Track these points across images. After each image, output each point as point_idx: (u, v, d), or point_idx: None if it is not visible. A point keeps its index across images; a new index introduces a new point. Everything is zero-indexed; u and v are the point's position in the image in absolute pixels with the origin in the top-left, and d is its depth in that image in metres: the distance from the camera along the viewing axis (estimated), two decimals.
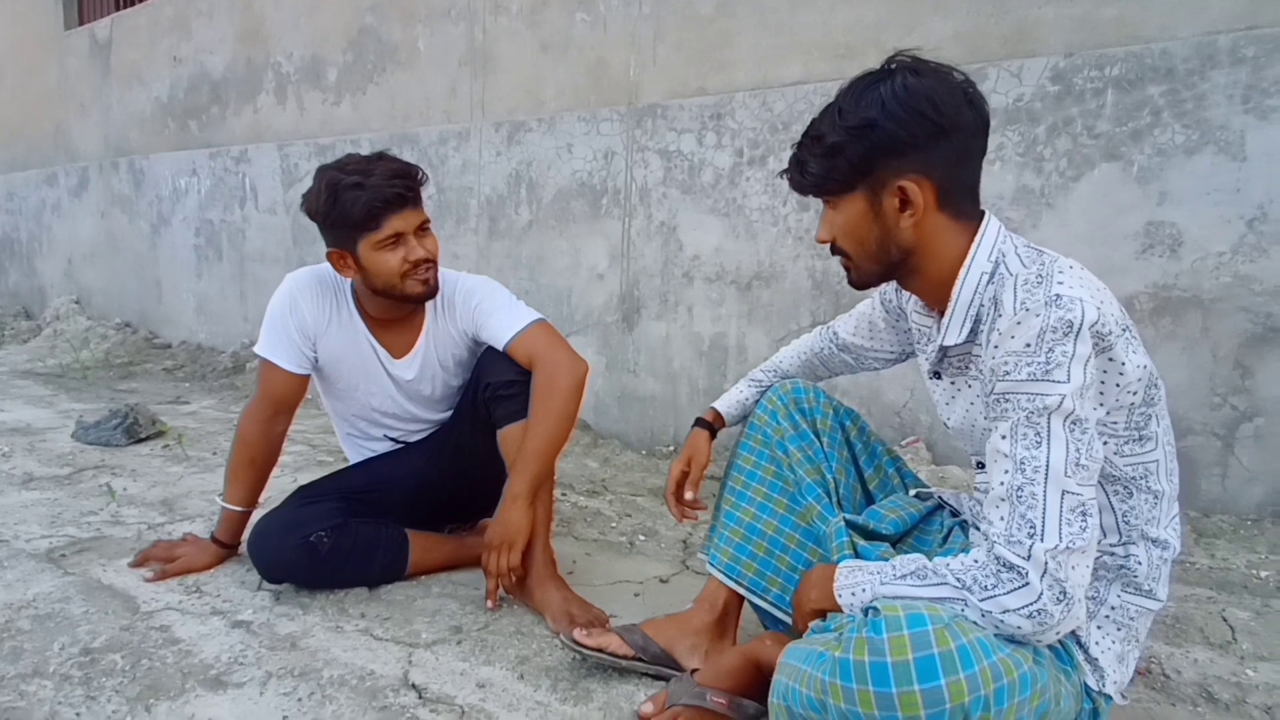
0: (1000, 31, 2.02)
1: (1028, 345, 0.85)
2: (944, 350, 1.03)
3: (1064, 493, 0.83)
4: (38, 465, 2.38)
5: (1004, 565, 0.84)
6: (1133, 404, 0.91)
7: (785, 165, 1.03)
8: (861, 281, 1.04)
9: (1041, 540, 0.82)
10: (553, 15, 2.85)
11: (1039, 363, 0.84)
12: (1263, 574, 1.63)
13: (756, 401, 1.34)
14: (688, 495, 1.34)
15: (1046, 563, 0.82)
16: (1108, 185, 1.91)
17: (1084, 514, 0.83)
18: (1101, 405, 0.89)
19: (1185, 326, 1.85)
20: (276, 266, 3.95)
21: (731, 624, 1.29)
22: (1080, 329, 0.84)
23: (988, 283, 0.95)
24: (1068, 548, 0.82)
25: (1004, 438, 0.86)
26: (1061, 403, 0.83)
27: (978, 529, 1.11)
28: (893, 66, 0.94)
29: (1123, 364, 0.88)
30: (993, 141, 2.01)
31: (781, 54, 2.36)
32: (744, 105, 2.42)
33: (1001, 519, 0.85)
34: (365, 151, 3.65)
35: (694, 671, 1.18)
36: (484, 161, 3.10)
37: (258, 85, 4.02)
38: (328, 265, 1.55)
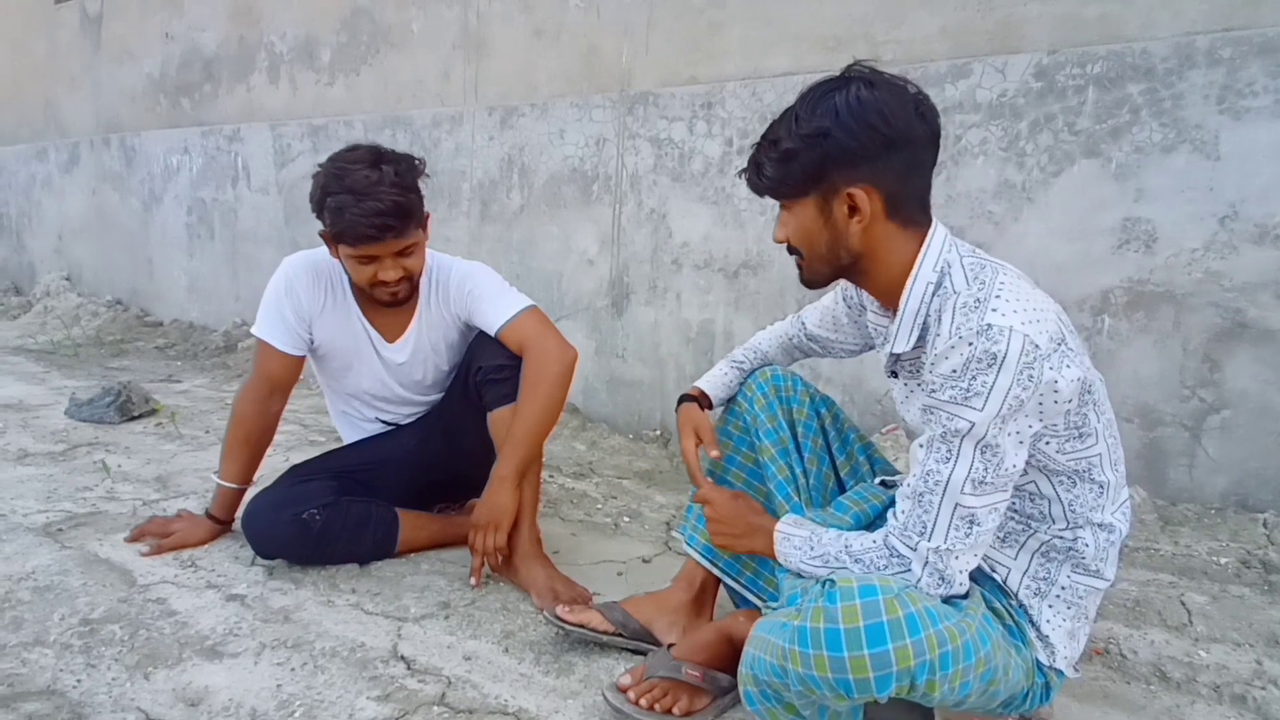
0: (986, 27, 2.05)
1: (954, 371, 0.91)
2: (895, 355, 1.07)
3: (956, 505, 0.92)
4: (32, 441, 2.40)
5: (894, 552, 0.96)
6: (1069, 410, 0.95)
7: (744, 166, 1.06)
8: (812, 281, 1.08)
9: (928, 540, 0.94)
10: (546, 0, 2.85)
11: (960, 389, 0.90)
12: (1223, 560, 1.70)
13: (739, 386, 1.37)
14: (714, 454, 1.29)
15: (928, 557, 0.93)
16: (1087, 181, 1.95)
17: (972, 522, 0.93)
18: (1041, 420, 0.93)
19: (1158, 320, 1.90)
20: (269, 246, 3.96)
21: (708, 602, 1.34)
22: (1004, 361, 0.88)
23: (934, 294, 0.99)
24: (949, 549, 0.93)
25: (921, 446, 0.95)
26: (973, 428, 0.90)
27: None
28: (846, 77, 0.97)
29: (1056, 383, 0.90)
30: (976, 135, 2.07)
31: (771, 45, 2.38)
32: (734, 95, 2.45)
33: (903, 513, 0.95)
34: (359, 134, 3.61)
35: (671, 646, 1.24)
36: (476, 145, 3.11)
37: (250, 64, 4.00)
38: (324, 249, 1.58)
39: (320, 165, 1.49)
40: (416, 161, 1.50)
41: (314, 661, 1.26)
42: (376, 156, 1.46)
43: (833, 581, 0.88)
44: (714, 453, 1.29)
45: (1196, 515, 1.86)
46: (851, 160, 0.95)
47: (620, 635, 1.30)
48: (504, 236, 3.06)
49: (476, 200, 3.14)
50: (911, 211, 1.00)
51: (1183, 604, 1.52)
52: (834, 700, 0.87)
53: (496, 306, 1.60)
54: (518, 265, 3.02)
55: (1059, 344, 0.91)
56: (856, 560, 0.98)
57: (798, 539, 1.05)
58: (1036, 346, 0.89)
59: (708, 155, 2.52)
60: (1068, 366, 0.91)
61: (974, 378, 0.89)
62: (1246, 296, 1.80)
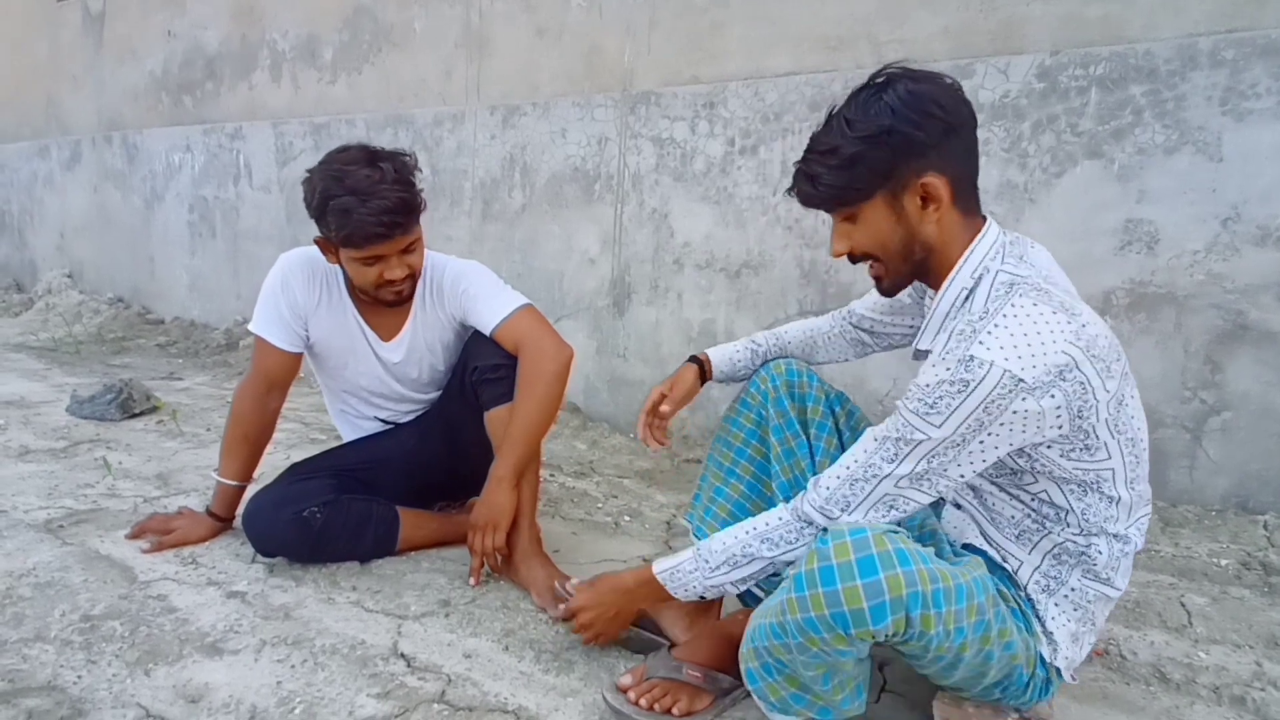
0: (988, 27, 2.05)
1: (927, 385, 0.93)
2: (920, 353, 1.07)
3: (886, 494, 0.96)
4: (33, 438, 2.41)
5: (806, 522, 1.01)
6: (1059, 431, 0.93)
7: (791, 179, 1.05)
8: (894, 286, 1.08)
9: (849, 515, 0.99)
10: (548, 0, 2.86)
11: (926, 403, 0.92)
12: (1223, 562, 1.70)
13: (749, 368, 1.37)
14: (664, 409, 1.35)
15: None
16: (1089, 182, 1.95)
17: (891, 507, 0.97)
18: (1011, 443, 0.93)
19: (1159, 322, 1.90)
20: (270, 245, 3.96)
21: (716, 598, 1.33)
22: (974, 390, 0.89)
23: (963, 302, 0.99)
24: (865, 523, 0.96)
25: (874, 439, 0.97)
26: (926, 441, 0.93)
27: (958, 505, 1.17)
28: (885, 78, 0.98)
29: (1028, 413, 0.90)
30: (979, 136, 2.06)
31: (773, 44, 2.38)
32: (736, 95, 2.45)
33: (826, 489, 1.00)
34: (361, 133, 3.60)
35: (672, 647, 1.24)
36: (478, 144, 3.11)
37: (253, 62, 4.00)
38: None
39: (310, 171, 1.47)
40: (407, 157, 1.49)
41: (314, 659, 1.27)
42: (371, 155, 1.45)
43: (825, 529, 0.91)
44: (666, 408, 1.35)
45: (1197, 517, 1.86)
46: (919, 150, 0.96)
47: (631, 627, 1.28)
48: (506, 236, 3.06)
49: (478, 199, 3.14)
50: (970, 199, 1.01)
51: (1183, 605, 1.52)
52: (834, 642, 0.87)
53: (491, 305, 1.60)
54: (519, 264, 3.02)
55: (1059, 373, 0.89)
56: (765, 540, 1.03)
57: (687, 564, 1.10)
58: (1020, 382, 0.88)
59: (709, 155, 2.52)
60: (1051, 396, 0.89)
61: (940, 398, 0.91)
62: (1248, 298, 1.79)
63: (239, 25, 4.04)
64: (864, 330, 1.34)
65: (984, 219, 1.03)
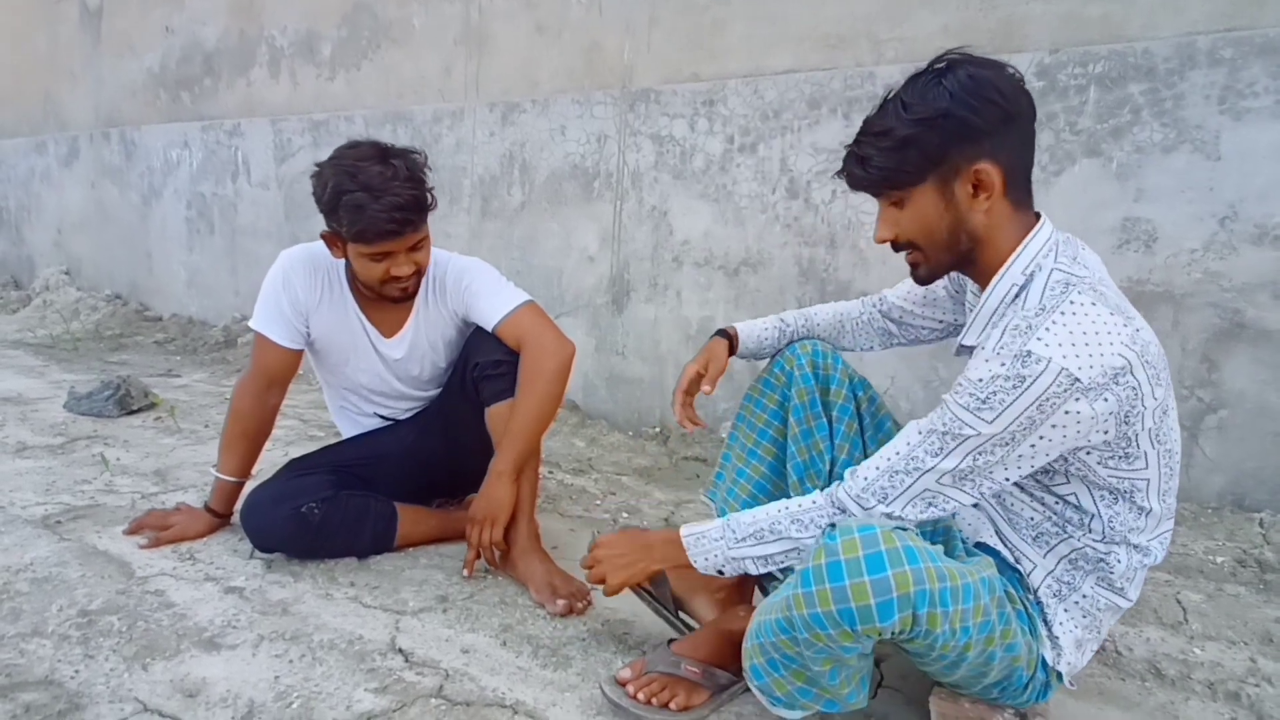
0: (988, 26, 2.05)
1: (980, 380, 0.91)
2: (963, 349, 1.06)
3: (926, 489, 0.95)
4: (31, 434, 2.40)
5: (840, 509, 1.00)
6: (1106, 437, 0.92)
7: (840, 166, 1.04)
8: (932, 275, 1.05)
9: (885, 506, 0.97)
10: None
11: (978, 398, 0.90)
12: (1219, 559, 1.70)
13: (775, 347, 1.35)
14: (705, 388, 1.32)
15: (876, 519, 0.97)
16: (1087, 181, 1.95)
17: (929, 504, 0.95)
18: (1064, 445, 0.92)
19: (1157, 320, 1.90)
20: (268, 241, 3.95)
21: (750, 584, 1.31)
22: (1030, 387, 0.87)
23: (1014, 298, 0.98)
24: (901, 517, 0.96)
25: (919, 432, 0.95)
26: (971, 438, 0.91)
27: (975, 503, 1.15)
28: (946, 63, 0.96)
29: (1080, 414, 0.89)
30: None
31: (773, 43, 2.38)
32: (736, 92, 2.45)
33: (865, 479, 0.98)
34: (360, 130, 3.59)
35: (671, 642, 1.24)
36: (478, 142, 3.11)
37: (251, 58, 4.00)
38: (322, 243, 1.58)
39: (320, 165, 1.47)
40: (417, 154, 1.49)
41: (312, 654, 1.27)
42: (383, 152, 1.45)
43: (833, 525, 0.90)
44: (707, 388, 1.32)
45: (1193, 514, 1.87)
46: (974, 136, 0.94)
47: (649, 594, 1.25)
48: (505, 233, 3.06)
49: (477, 196, 3.14)
50: (1022, 192, 0.99)
51: (1178, 602, 1.53)
52: (840, 638, 0.87)
53: (493, 302, 1.60)
54: (518, 262, 3.02)
55: (1114, 376, 0.88)
56: (795, 521, 1.01)
57: (713, 531, 1.08)
58: (1076, 381, 0.87)
59: (709, 153, 2.52)
60: (1104, 400, 0.88)
61: (994, 393, 0.89)
62: (1245, 297, 1.80)
63: (237, 21, 4.03)
64: (892, 320, 1.32)
65: (1037, 216, 1.00)
